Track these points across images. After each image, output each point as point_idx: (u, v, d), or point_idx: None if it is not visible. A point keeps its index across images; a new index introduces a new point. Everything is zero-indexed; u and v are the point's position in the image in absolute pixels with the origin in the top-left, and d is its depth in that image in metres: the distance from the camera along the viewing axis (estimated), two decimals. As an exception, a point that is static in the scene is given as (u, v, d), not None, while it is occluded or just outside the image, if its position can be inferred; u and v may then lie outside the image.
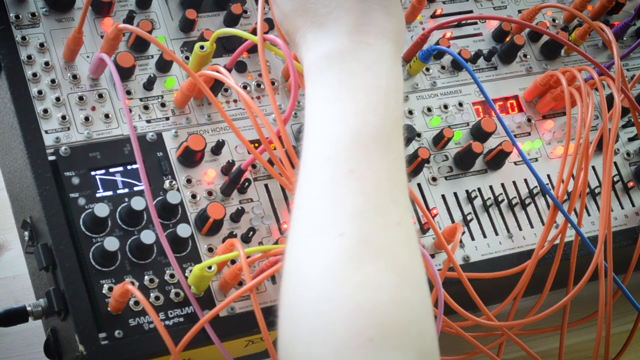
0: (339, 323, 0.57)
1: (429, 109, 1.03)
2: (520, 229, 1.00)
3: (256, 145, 0.93)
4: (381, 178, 0.63)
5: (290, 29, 0.74)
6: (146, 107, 0.93)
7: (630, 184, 1.06)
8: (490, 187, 1.01)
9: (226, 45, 0.99)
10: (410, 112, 1.02)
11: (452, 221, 0.98)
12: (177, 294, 0.86)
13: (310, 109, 0.69)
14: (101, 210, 0.85)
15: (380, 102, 0.66)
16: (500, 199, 1.00)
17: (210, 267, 0.83)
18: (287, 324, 0.61)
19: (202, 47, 0.91)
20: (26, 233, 0.89)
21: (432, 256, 0.95)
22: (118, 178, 0.89)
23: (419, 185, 0.99)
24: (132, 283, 0.85)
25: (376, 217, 0.62)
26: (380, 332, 0.57)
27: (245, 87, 0.98)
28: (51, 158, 0.88)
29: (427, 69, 1.05)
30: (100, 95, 0.92)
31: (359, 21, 0.69)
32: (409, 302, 0.59)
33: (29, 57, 0.91)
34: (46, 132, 0.89)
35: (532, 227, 1.01)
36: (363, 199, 0.62)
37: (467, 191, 1.00)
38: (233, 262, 0.88)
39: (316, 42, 0.70)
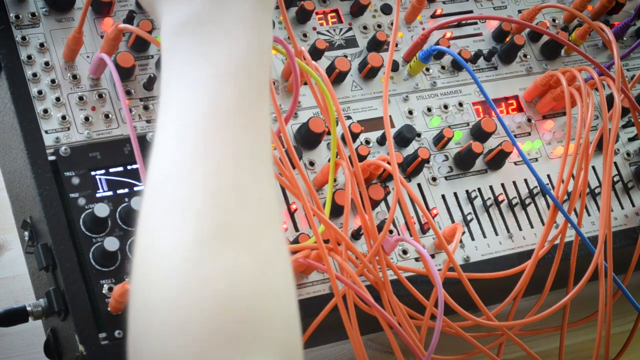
0: (196, 319, 0.52)
1: (429, 109, 1.03)
2: (520, 229, 1.00)
3: (256, 145, 0.93)
4: (240, 155, 0.57)
5: None
6: (146, 107, 0.93)
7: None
8: (490, 187, 1.01)
9: (226, 45, 0.98)
10: (410, 112, 1.02)
11: (452, 221, 0.98)
12: (177, 294, 0.86)
13: (164, 81, 0.62)
14: (101, 210, 0.85)
15: (240, 69, 0.59)
16: (500, 199, 1.00)
17: (210, 267, 0.83)
18: (139, 319, 0.54)
19: (202, 47, 0.91)
20: (26, 233, 0.89)
21: (432, 256, 0.95)
22: (118, 178, 0.89)
23: (419, 185, 0.99)
24: (132, 283, 0.85)
25: (234, 197, 0.56)
26: (241, 328, 0.52)
27: (245, 87, 0.97)
28: (51, 158, 0.88)
29: (427, 69, 1.05)
30: (100, 95, 0.92)
31: None
32: (272, 292, 0.54)
33: (29, 57, 0.91)
34: (46, 132, 0.89)
35: (532, 227, 1.01)
36: (219, 179, 0.56)
37: (467, 191, 1.00)
38: (233, 262, 0.88)
39: (171, 8, 0.63)
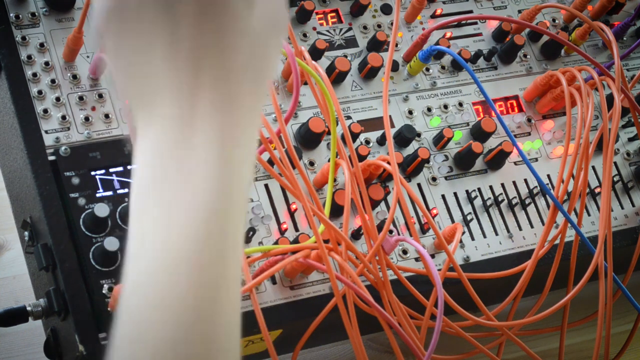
0: None
1: (429, 109, 1.03)
2: (520, 229, 1.00)
3: (256, 145, 0.93)
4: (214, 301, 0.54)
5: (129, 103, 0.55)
6: (146, 107, 0.93)
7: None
8: (490, 187, 1.01)
9: (226, 45, 0.98)
10: (410, 112, 1.02)
11: (452, 221, 0.98)
12: (177, 294, 0.86)
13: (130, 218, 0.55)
14: (101, 210, 0.85)
15: (200, 227, 0.50)
16: (500, 199, 1.00)
17: (210, 267, 0.83)
18: None
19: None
20: (26, 233, 0.89)
21: (432, 256, 0.95)
22: (118, 178, 0.89)
23: (419, 185, 0.99)
24: (132, 283, 0.84)
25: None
26: None
27: (245, 87, 0.97)
28: (51, 158, 0.88)
29: (427, 69, 1.05)
30: (100, 95, 0.92)
31: (185, 104, 0.51)
32: None
33: (29, 57, 0.91)
34: (46, 132, 0.89)
35: (532, 227, 1.01)
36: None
37: (467, 191, 1.00)
38: (233, 262, 0.88)
39: (143, 129, 0.53)
